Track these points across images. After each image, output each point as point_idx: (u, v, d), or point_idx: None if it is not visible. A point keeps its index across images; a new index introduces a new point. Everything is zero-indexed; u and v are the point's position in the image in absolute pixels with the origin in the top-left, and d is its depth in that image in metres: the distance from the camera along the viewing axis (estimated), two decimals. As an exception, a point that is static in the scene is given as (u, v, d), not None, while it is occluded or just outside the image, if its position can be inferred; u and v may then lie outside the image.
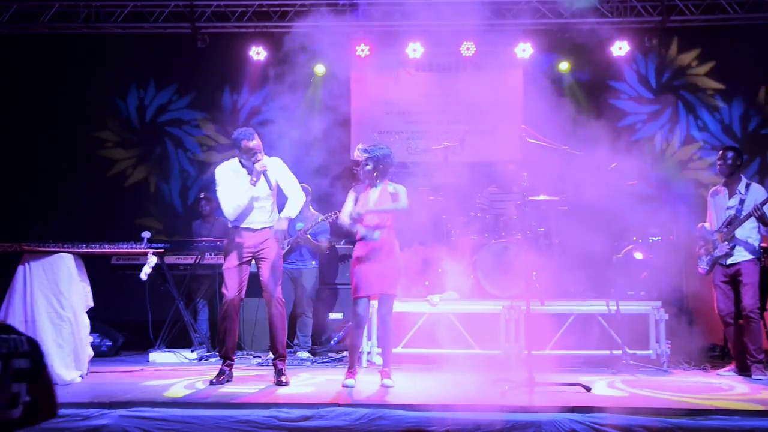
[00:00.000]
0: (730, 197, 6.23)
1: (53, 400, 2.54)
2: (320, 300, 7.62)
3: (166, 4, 8.73)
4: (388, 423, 4.55)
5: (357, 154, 5.64)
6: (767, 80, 8.94)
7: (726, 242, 6.12)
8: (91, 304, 6.09)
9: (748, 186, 6.21)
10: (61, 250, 5.91)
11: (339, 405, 4.77)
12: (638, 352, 6.37)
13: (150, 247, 6.34)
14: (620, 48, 8.81)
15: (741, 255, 6.09)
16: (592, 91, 8.86)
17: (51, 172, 8.97)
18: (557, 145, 7.02)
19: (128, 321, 7.69)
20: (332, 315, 7.71)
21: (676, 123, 9.15)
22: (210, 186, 5.94)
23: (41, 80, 9.00)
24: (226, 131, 9.37)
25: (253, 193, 5.60)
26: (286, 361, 5.82)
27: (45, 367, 2.47)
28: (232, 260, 5.65)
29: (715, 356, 7.04)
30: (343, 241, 7.87)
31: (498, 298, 6.79)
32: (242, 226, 5.66)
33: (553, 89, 8.84)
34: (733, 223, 6.11)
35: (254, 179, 5.59)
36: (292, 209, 5.73)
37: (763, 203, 5.96)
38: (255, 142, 5.61)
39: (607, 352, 6.37)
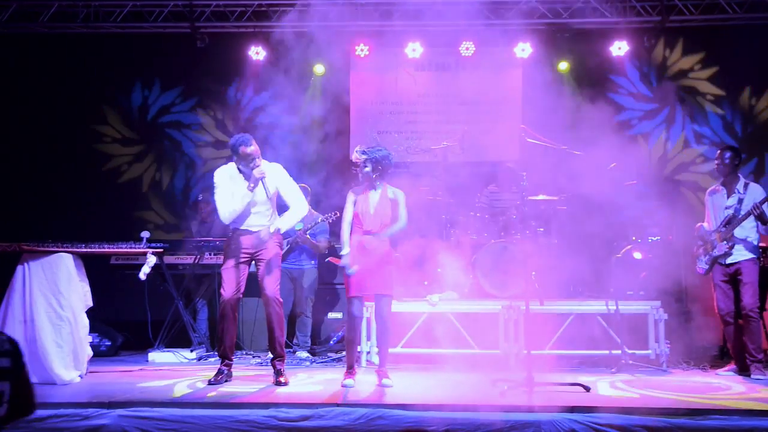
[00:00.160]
0: (728, 197, 6.23)
1: (33, 397, 2.58)
2: (319, 300, 7.62)
3: (166, 3, 8.72)
4: (388, 423, 4.55)
5: (356, 156, 5.64)
6: (765, 80, 8.94)
7: (725, 241, 6.12)
8: (91, 304, 6.09)
9: (746, 185, 6.21)
10: (60, 249, 5.91)
11: (338, 405, 4.77)
12: (637, 351, 6.37)
13: (149, 247, 6.34)
14: (619, 48, 8.81)
15: (740, 254, 6.10)
16: (590, 90, 8.85)
17: (50, 172, 8.95)
18: (556, 145, 7.04)
19: (127, 321, 7.69)
20: (331, 315, 7.72)
21: (674, 122, 9.14)
22: (209, 188, 5.93)
23: (41, 80, 8.99)
24: (225, 131, 9.38)
25: (250, 199, 5.60)
26: (285, 360, 5.82)
27: (24, 366, 2.51)
28: (230, 260, 5.65)
29: (715, 356, 7.04)
30: (342, 242, 7.87)
31: (497, 297, 6.79)
32: (241, 228, 5.67)
33: (552, 89, 8.82)
34: (732, 222, 6.11)
35: (252, 185, 5.58)
36: (287, 221, 5.71)
37: (762, 202, 5.97)
38: (252, 148, 5.59)
39: (607, 351, 6.37)
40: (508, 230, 7.38)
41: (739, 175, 6.31)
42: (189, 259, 7.33)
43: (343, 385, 5.43)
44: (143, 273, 6.17)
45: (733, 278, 6.14)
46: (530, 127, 7.02)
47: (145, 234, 6.53)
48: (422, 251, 7.12)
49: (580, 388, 5.26)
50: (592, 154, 6.86)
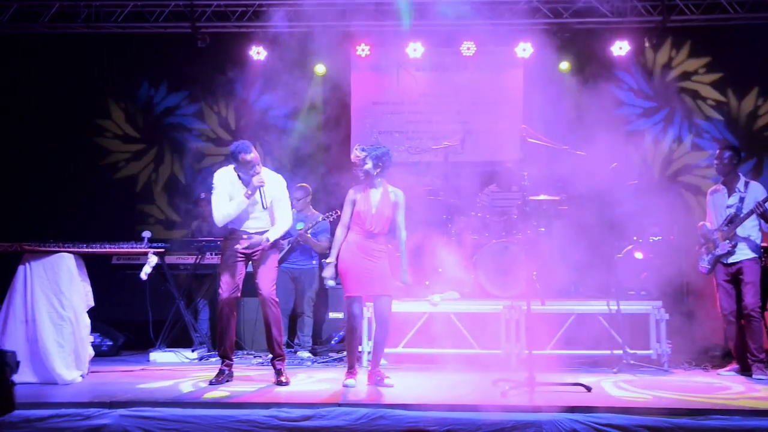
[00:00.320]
0: (729, 195, 6.23)
1: (12, 397, 2.60)
2: (321, 299, 7.62)
3: (166, 3, 8.72)
4: (389, 423, 4.56)
5: (355, 154, 5.64)
6: (767, 80, 8.93)
7: (727, 240, 6.12)
8: (92, 304, 6.09)
9: (746, 184, 6.22)
10: (62, 249, 5.91)
11: (339, 405, 4.78)
12: (639, 351, 6.36)
13: (150, 247, 6.35)
14: (620, 47, 8.81)
15: (742, 253, 6.10)
16: (591, 90, 8.84)
17: (49, 166, 8.94)
18: (557, 145, 7.04)
19: (129, 321, 7.68)
20: (332, 314, 7.71)
21: (673, 122, 9.12)
22: (210, 187, 5.92)
23: (42, 79, 8.98)
24: (225, 131, 9.38)
25: (246, 206, 5.60)
26: (286, 360, 5.83)
27: (4, 365, 2.52)
28: (227, 261, 5.67)
29: (716, 356, 7.04)
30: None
31: (498, 297, 6.79)
32: (239, 230, 5.69)
33: (553, 89, 8.82)
34: (734, 221, 6.11)
35: (249, 193, 5.59)
36: (275, 233, 5.73)
37: (765, 200, 5.97)
38: (252, 156, 5.60)
39: (608, 351, 6.36)
40: (509, 230, 7.38)
41: (739, 173, 6.31)
42: (190, 259, 7.33)
43: (344, 385, 5.44)
44: (144, 273, 6.18)
45: (735, 278, 6.14)
46: (531, 127, 7.02)
47: (147, 234, 6.54)
48: (423, 250, 7.11)
49: (582, 388, 5.26)
50: (593, 153, 6.86)
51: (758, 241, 6.16)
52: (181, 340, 7.25)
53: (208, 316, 7.73)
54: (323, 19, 8.54)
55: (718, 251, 6.17)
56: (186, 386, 5.53)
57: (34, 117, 9.01)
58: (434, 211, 7.42)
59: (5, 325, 5.75)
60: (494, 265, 7.04)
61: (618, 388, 5.47)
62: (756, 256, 6.12)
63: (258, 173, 5.61)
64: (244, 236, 5.66)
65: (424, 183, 7.78)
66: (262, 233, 5.69)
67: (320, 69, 9.23)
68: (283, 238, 6.07)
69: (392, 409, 4.70)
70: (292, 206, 6.87)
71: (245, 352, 7.33)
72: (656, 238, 7.39)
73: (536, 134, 6.85)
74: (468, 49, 9.01)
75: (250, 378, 5.91)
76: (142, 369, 6.46)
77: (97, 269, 6.41)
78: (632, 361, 6.24)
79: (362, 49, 9.10)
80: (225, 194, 5.64)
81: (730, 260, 6.13)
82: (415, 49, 8.98)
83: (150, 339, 7.09)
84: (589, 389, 5.25)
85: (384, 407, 4.72)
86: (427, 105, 9.32)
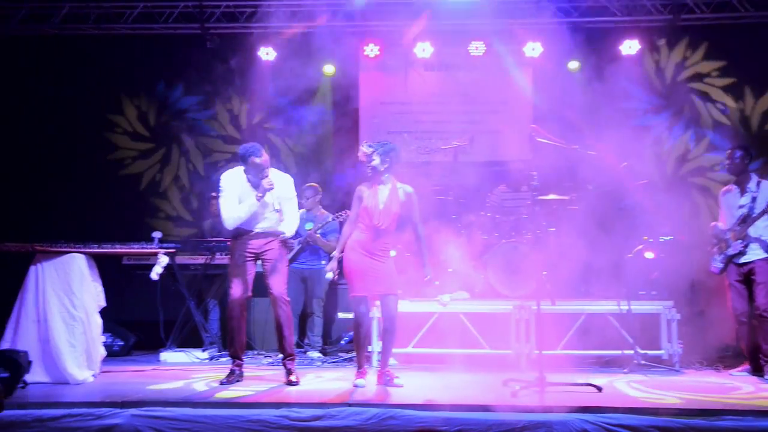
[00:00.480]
0: (741, 195, 6.20)
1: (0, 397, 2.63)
2: (330, 300, 7.63)
3: (176, 4, 8.76)
4: (399, 423, 4.55)
5: (362, 150, 5.64)
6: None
7: (739, 240, 6.09)
8: (103, 304, 6.12)
9: (759, 183, 6.18)
10: (73, 250, 5.94)
11: (349, 405, 4.78)
12: (650, 352, 6.34)
13: (161, 247, 6.37)
14: (630, 46, 8.77)
15: (755, 253, 6.06)
16: (600, 89, 8.81)
17: (59, 164, 8.98)
18: (567, 144, 7.02)
19: (140, 321, 7.71)
20: (342, 315, 7.71)
21: (682, 122, 9.07)
22: (213, 188, 5.95)
23: (52, 80, 9.02)
24: (233, 131, 9.40)
25: (256, 208, 5.62)
26: (296, 360, 5.84)
27: None
28: (236, 260, 5.68)
29: (728, 356, 7.00)
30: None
31: (508, 297, 6.78)
32: (246, 228, 5.69)
33: (563, 88, 8.79)
34: (746, 221, 6.08)
35: (260, 196, 5.59)
36: (291, 228, 5.80)
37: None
38: (263, 158, 5.61)
39: (619, 352, 6.34)
40: (519, 230, 7.37)
41: (751, 173, 6.28)
42: (200, 259, 7.35)
43: (354, 385, 5.44)
44: (155, 273, 6.20)
45: (747, 278, 6.11)
46: (541, 126, 7.00)
47: (157, 234, 6.56)
48: (433, 250, 7.10)
49: (592, 389, 5.24)
50: (603, 153, 6.84)
51: (771, 241, 6.13)
52: (191, 340, 7.27)
53: (218, 316, 7.75)
54: (332, 19, 8.55)
55: (730, 251, 6.14)
56: (197, 386, 5.55)
57: (44, 116, 9.04)
58: (444, 211, 7.41)
59: (18, 325, 5.78)
60: (504, 265, 7.03)
61: (629, 389, 5.46)
62: (768, 256, 6.10)
63: (267, 176, 5.62)
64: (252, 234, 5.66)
65: (433, 183, 7.78)
66: (270, 234, 5.70)
67: (329, 69, 9.24)
68: (293, 237, 6.08)
69: (402, 409, 4.69)
70: (302, 206, 6.90)
71: (255, 352, 7.35)
72: (667, 238, 7.35)
73: (546, 134, 6.83)
74: (477, 48, 9.00)
75: (261, 378, 5.93)
76: (153, 369, 6.48)
77: (108, 269, 6.44)
78: (643, 362, 6.22)
79: (371, 50, 9.10)
80: (234, 197, 5.64)
81: (742, 260, 6.10)
82: (424, 49, 8.97)
83: (161, 339, 7.11)
84: (599, 389, 5.23)
85: (394, 407, 4.72)
86: (436, 105, 9.31)
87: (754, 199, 6.09)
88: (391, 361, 5.82)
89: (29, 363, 5.51)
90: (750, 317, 6.11)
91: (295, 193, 5.90)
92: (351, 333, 7.26)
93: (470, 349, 6.41)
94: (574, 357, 6.30)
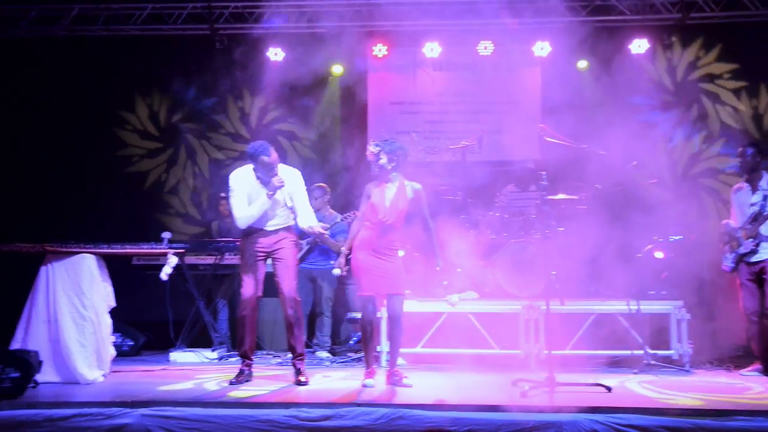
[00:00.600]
0: (753, 193, 6.16)
1: None
2: (339, 300, 7.64)
3: (184, 6, 8.79)
4: (408, 423, 4.55)
5: (370, 150, 5.64)
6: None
7: (751, 239, 6.05)
8: (113, 304, 6.14)
9: (770, 181, 6.15)
10: (83, 250, 5.96)
11: (359, 405, 4.78)
12: (660, 352, 6.32)
13: (170, 248, 6.38)
14: (639, 45, 8.74)
15: (766, 252, 6.02)
16: (609, 88, 8.78)
17: (69, 167, 9.03)
18: (576, 144, 7.00)
19: (149, 321, 7.74)
20: (351, 315, 7.72)
21: (692, 120, 9.02)
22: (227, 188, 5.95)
23: (62, 81, 9.07)
24: (242, 132, 9.42)
25: (268, 206, 5.63)
26: (305, 360, 5.84)
27: None
28: (247, 260, 5.69)
29: (739, 356, 6.96)
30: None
31: (517, 297, 6.76)
32: (256, 227, 5.69)
33: (572, 87, 8.76)
34: (758, 219, 6.04)
35: (271, 193, 5.60)
36: (313, 221, 5.79)
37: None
38: (272, 157, 5.62)
39: (628, 352, 6.32)
40: (528, 230, 7.35)
41: (763, 171, 6.24)
42: (210, 260, 7.37)
43: (363, 385, 5.44)
44: (165, 273, 6.21)
45: (759, 277, 6.07)
46: (549, 126, 6.98)
47: (167, 235, 6.58)
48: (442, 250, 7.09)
49: (602, 389, 5.22)
50: (612, 152, 6.81)
51: (782, 240, 6.09)
52: (200, 340, 7.29)
53: (227, 316, 7.77)
54: (340, 19, 8.56)
55: (742, 249, 6.11)
56: (206, 386, 5.56)
57: (53, 119, 9.09)
58: (452, 210, 7.40)
59: (28, 325, 5.81)
60: (513, 265, 7.01)
61: (639, 389, 5.43)
62: (780, 255, 6.05)
63: (277, 174, 5.63)
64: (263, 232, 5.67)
65: (442, 183, 7.77)
66: (281, 230, 5.70)
67: (337, 69, 9.25)
68: (301, 238, 6.08)
69: (411, 409, 4.68)
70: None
71: (264, 352, 7.36)
72: (677, 237, 7.32)
73: (555, 133, 6.82)
74: (485, 48, 8.99)
75: (270, 378, 5.93)
76: (163, 369, 6.51)
77: (118, 270, 6.46)
78: (653, 362, 6.19)
79: (379, 50, 9.11)
80: (244, 196, 5.65)
81: (754, 259, 6.06)
82: (432, 49, 8.97)
83: (170, 339, 7.13)
84: (609, 389, 5.21)
85: (403, 407, 4.71)
86: (445, 105, 9.31)
87: (765, 197, 6.05)
88: (400, 361, 5.82)
89: (40, 363, 5.53)
90: (761, 317, 6.07)
91: (305, 186, 5.88)
92: (359, 333, 7.27)
93: (479, 350, 6.40)
94: (584, 357, 6.28)
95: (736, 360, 6.73)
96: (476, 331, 6.45)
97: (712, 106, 8.99)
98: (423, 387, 5.48)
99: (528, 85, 9.23)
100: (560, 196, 7.32)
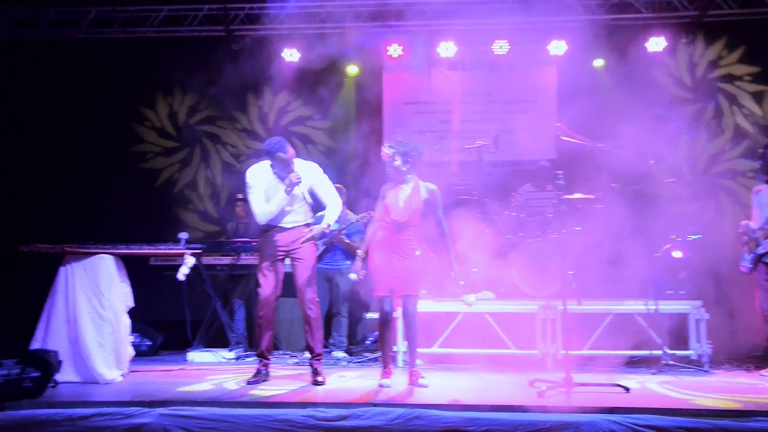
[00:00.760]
0: (773, 193, 6.11)
1: None
2: (355, 300, 7.64)
3: (200, 7, 8.84)
4: (425, 423, 4.54)
5: (384, 151, 5.65)
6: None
7: (769, 240, 6.01)
8: (132, 305, 6.18)
9: (791, 183, 6.09)
10: (102, 251, 6.01)
11: (375, 405, 4.78)
12: (678, 352, 6.27)
13: (188, 248, 6.41)
14: (656, 43, 8.67)
15: (784, 253, 5.98)
16: (626, 86, 8.71)
17: (88, 166, 9.11)
18: (592, 143, 6.97)
19: (167, 321, 7.79)
20: (367, 315, 7.72)
21: (712, 117, 8.93)
22: (243, 189, 5.97)
23: (80, 82, 9.14)
24: (258, 131, 9.45)
25: (287, 202, 5.64)
26: (322, 360, 5.85)
27: None
28: (265, 259, 5.70)
29: (759, 356, 6.90)
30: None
31: (534, 297, 6.74)
32: (277, 225, 5.70)
33: (588, 86, 8.71)
34: (777, 220, 5.99)
35: (288, 189, 5.61)
36: (331, 217, 5.76)
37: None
38: (289, 153, 5.63)
39: (647, 352, 6.28)
40: (545, 229, 7.32)
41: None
42: (226, 260, 7.41)
43: (380, 385, 5.44)
44: (182, 274, 6.24)
45: (777, 278, 6.02)
46: (566, 125, 6.95)
47: (184, 235, 6.61)
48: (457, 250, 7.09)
49: (620, 389, 5.19)
50: (629, 151, 6.78)
51: (801, 241, 6.03)
52: (217, 340, 7.34)
53: (243, 317, 7.81)
54: (355, 20, 8.57)
55: (760, 250, 6.06)
56: (224, 386, 5.59)
57: (72, 121, 9.17)
58: (468, 210, 7.38)
59: (48, 326, 5.87)
60: (529, 265, 6.99)
61: (657, 389, 5.40)
62: (798, 255, 5.99)
63: (293, 170, 5.64)
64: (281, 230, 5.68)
65: (457, 182, 7.75)
66: (299, 227, 5.71)
67: (352, 70, 9.26)
68: (318, 238, 6.08)
69: (428, 409, 4.68)
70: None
71: (281, 352, 7.39)
72: (695, 237, 7.26)
73: (571, 132, 6.79)
74: (500, 47, 8.96)
75: (287, 378, 5.96)
76: (181, 369, 6.55)
77: (135, 270, 6.51)
78: (671, 362, 6.15)
79: (394, 50, 9.11)
80: (262, 192, 5.67)
81: (771, 260, 6.01)
82: (447, 49, 8.96)
83: (188, 339, 7.17)
84: (627, 390, 5.18)
85: (420, 407, 4.71)
86: (460, 104, 9.28)
87: (785, 199, 6.00)
88: (417, 361, 5.81)
89: (59, 363, 5.59)
90: (779, 317, 6.02)
91: (326, 177, 5.85)
92: (376, 333, 7.28)
93: (496, 350, 6.39)
94: (601, 357, 6.25)
95: (756, 360, 6.67)
96: (493, 331, 6.43)
97: (729, 107, 8.90)
98: (439, 387, 5.47)
99: (544, 84, 9.19)
100: (577, 195, 7.28)
